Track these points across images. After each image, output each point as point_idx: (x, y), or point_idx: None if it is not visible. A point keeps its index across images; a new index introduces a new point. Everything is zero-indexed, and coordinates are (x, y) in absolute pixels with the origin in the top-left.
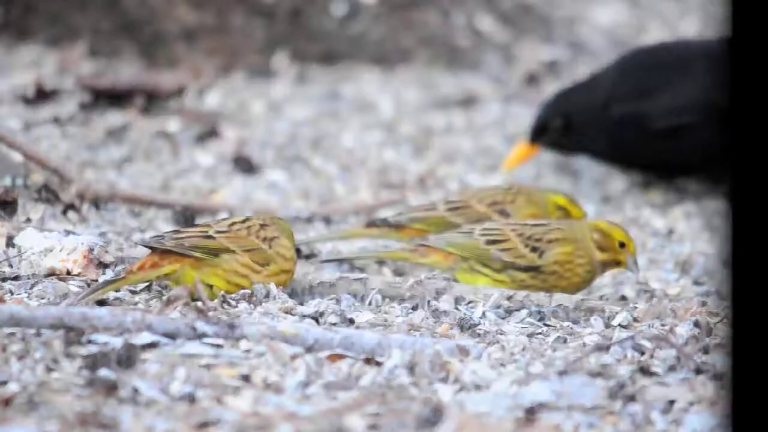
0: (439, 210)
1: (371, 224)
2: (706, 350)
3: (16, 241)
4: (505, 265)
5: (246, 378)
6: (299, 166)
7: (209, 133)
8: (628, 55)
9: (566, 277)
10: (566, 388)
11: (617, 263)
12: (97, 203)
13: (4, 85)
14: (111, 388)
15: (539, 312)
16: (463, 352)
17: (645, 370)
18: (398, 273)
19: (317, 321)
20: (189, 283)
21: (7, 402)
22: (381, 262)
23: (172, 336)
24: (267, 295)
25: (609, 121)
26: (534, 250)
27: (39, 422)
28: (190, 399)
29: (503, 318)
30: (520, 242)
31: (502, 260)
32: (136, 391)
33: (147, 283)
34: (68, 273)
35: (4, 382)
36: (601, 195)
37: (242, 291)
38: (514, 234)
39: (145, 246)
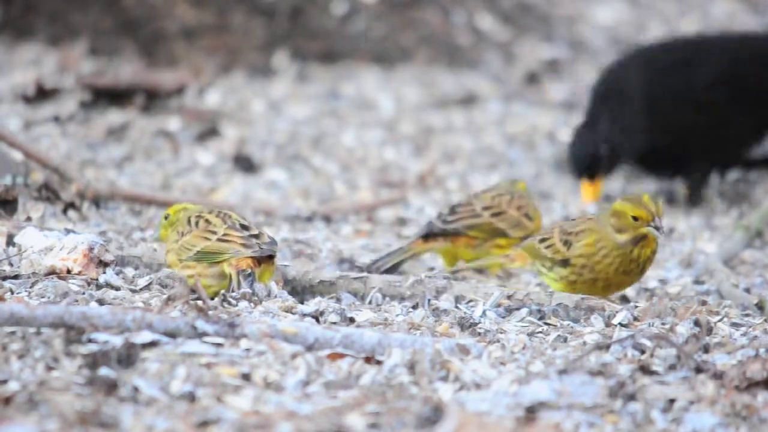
0: (485, 217)
1: (428, 236)
2: (706, 349)
3: (17, 239)
4: (551, 262)
5: (246, 377)
6: (299, 165)
7: (209, 132)
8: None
9: (597, 269)
10: (566, 387)
11: (644, 236)
12: (97, 202)
13: (4, 84)
14: (111, 386)
15: (539, 311)
16: (464, 350)
17: (645, 369)
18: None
19: (317, 320)
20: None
21: (8, 401)
22: None
23: (172, 335)
24: (268, 294)
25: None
26: (565, 243)
27: (39, 421)
28: (190, 398)
29: (503, 317)
30: (558, 237)
31: (547, 257)
32: (136, 389)
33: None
34: (68, 272)
35: (5, 381)
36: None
37: (242, 290)
38: (558, 230)
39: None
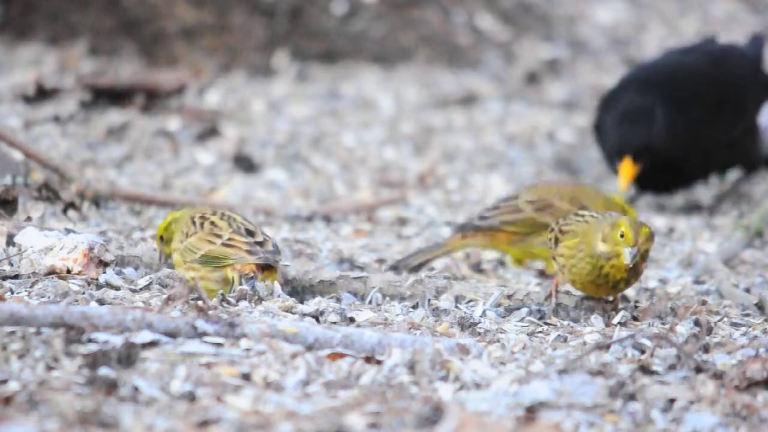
0: (527, 211)
1: (464, 234)
2: (706, 349)
3: (17, 239)
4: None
5: (246, 377)
6: (299, 165)
7: (209, 132)
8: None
9: (573, 272)
10: (566, 387)
11: (617, 255)
12: (97, 202)
13: (4, 84)
14: (111, 386)
15: (539, 310)
16: (464, 350)
17: (645, 369)
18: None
19: (317, 319)
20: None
21: (8, 401)
22: (381, 260)
23: (172, 334)
24: (271, 293)
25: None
26: (556, 240)
27: (39, 421)
28: (190, 397)
29: (503, 317)
30: (555, 230)
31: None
32: (136, 389)
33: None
34: (68, 271)
35: (5, 381)
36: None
37: (239, 287)
38: (558, 224)
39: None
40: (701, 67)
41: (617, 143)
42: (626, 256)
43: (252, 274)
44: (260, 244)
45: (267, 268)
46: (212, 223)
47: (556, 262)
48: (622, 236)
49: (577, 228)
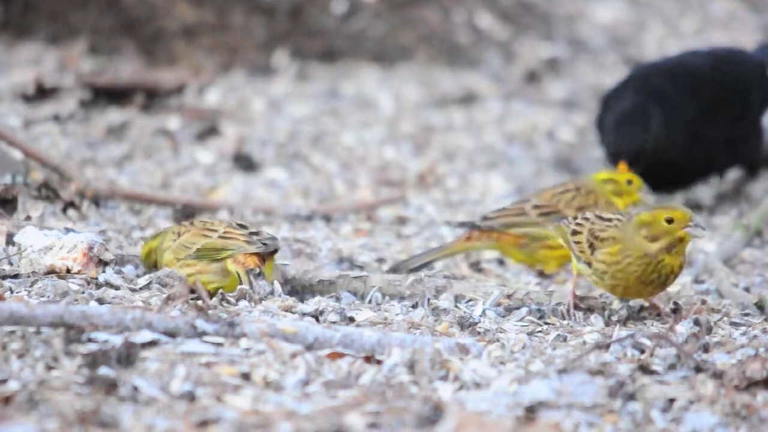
0: (531, 215)
1: (469, 235)
2: (706, 348)
3: (16, 239)
4: (577, 256)
5: (246, 376)
6: (299, 164)
7: (209, 131)
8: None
9: (618, 277)
10: (566, 387)
11: (680, 239)
12: (97, 201)
13: (4, 83)
14: (111, 386)
15: (539, 310)
16: (463, 350)
17: (645, 369)
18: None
19: (317, 319)
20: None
21: (8, 400)
22: (381, 260)
23: (172, 334)
24: (271, 293)
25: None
26: (590, 245)
27: (39, 420)
28: (190, 397)
29: (503, 316)
30: (586, 236)
31: (575, 253)
32: (135, 389)
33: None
34: (68, 271)
35: (5, 381)
36: None
37: (239, 287)
38: (588, 229)
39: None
40: (703, 67)
41: (612, 149)
42: (694, 233)
43: (258, 269)
44: (255, 233)
45: (266, 257)
46: (203, 221)
47: (592, 268)
48: (670, 222)
49: (615, 234)
